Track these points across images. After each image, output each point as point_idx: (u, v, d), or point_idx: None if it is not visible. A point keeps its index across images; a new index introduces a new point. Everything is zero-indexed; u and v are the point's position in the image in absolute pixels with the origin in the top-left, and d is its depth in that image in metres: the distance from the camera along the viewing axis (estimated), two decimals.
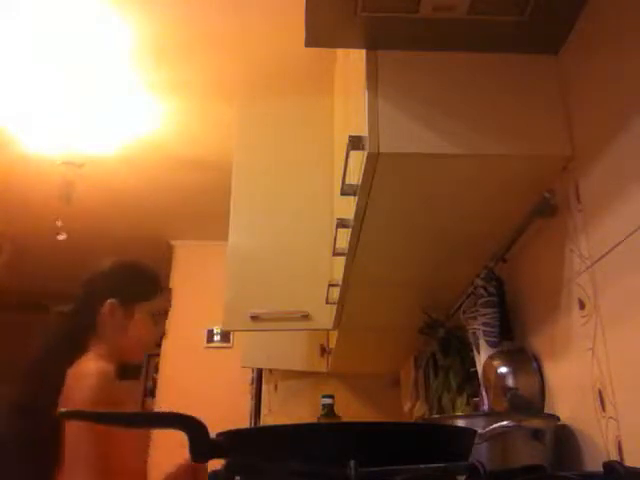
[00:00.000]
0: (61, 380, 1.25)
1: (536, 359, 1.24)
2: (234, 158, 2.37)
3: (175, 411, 0.62)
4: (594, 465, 0.99)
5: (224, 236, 2.28)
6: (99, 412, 0.63)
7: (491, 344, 1.35)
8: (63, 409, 0.63)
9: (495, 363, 1.30)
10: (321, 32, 1.10)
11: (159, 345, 1.68)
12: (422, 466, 0.56)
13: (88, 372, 1.27)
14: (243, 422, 3.20)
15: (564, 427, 1.08)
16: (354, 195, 1.22)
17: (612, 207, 0.95)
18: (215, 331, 4.39)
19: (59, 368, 1.28)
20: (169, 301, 1.57)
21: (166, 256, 4.57)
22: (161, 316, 1.54)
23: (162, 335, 1.57)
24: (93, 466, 1.15)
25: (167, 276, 4.56)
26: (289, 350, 2.96)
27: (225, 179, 2.41)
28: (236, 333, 4.09)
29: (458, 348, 1.70)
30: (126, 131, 3.12)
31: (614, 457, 0.92)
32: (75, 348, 1.35)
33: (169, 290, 1.62)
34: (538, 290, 1.26)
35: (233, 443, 0.64)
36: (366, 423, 0.63)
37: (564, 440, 1.07)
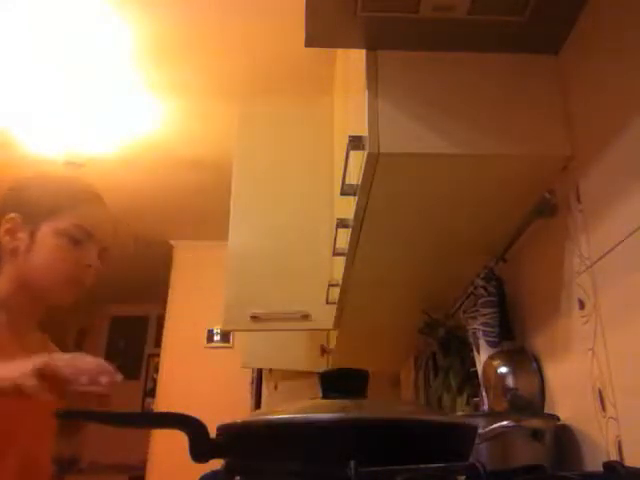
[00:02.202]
0: None
1: (536, 359, 1.24)
2: (234, 158, 2.37)
3: (175, 411, 0.62)
4: (594, 465, 0.99)
5: (224, 236, 2.28)
6: (98, 412, 0.63)
7: (491, 344, 1.35)
8: (60, 409, 0.62)
9: (495, 363, 1.30)
10: (321, 32, 1.10)
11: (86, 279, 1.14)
12: (422, 466, 0.56)
13: None
14: None
15: (564, 427, 1.08)
16: (354, 195, 1.22)
17: (612, 207, 0.95)
18: (215, 331, 4.39)
19: None
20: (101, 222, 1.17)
21: (166, 256, 4.57)
22: (88, 242, 1.14)
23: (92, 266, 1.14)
24: None
25: (167, 276, 4.56)
26: (289, 350, 2.96)
27: (225, 179, 2.41)
28: (236, 333, 4.09)
29: (458, 348, 1.70)
30: (126, 131, 3.13)
31: (614, 457, 0.92)
32: None
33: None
34: (538, 290, 1.26)
35: (233, 443, 0.64)
36: (367, 419, 0.63)
37: (564, 440, 1.07)
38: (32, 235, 1.10)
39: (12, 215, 1.11)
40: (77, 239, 1.12)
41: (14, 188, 1.16)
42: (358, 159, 1.14)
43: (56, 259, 1.11)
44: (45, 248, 1.10)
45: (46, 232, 1.11)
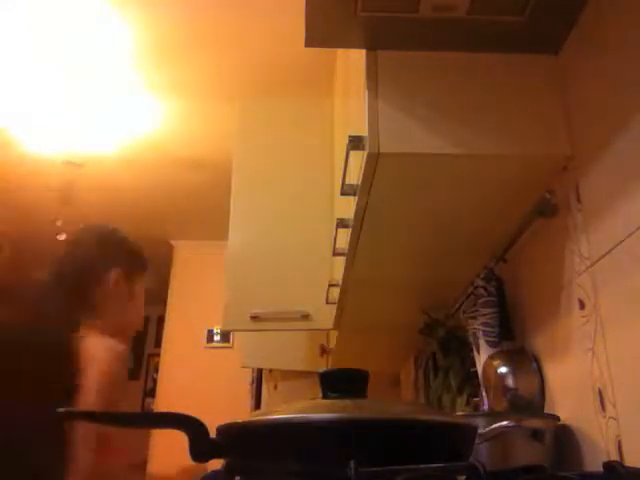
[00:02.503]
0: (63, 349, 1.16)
1: (536, 359, 1.24)
2: (234, 158, 2.37)
3: (175, 411, 0.62)
4: (594, 465, 0.99)
5: (224, 236, 2.28)
6: (99, 412, 0.63)
7: (491, 344, 1.35)
8: (62, 409, 0.62)
9: (495, 363, 1.30)
10: (321, 32, 1.10)
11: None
12: (422, 466, 0.56)
13: (98, 354, 1.16)
14: None
15: (564, 427, 1.08)
16: (354, 195, 1.22)
17: (612, 207, 0.95)
18: (215, 331, 4.39)
19: (58, 338, 1.19)
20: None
21: (166, 256, 4.57)
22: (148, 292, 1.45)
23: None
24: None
25: (167, 276, 4.56)
26: (289, 350, 2.96)
27: (225, 179, 2.41)
28: (236, 333, 4.09)
29: (458, 348, 1.70)
30: (126, 131, 3.13)
31: (614, 457, 0.92)
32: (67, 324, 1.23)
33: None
34: (538, 290, 1.26)
35: (233, 443, 0.64)
36: (367, 419, 0.63)
37: (564, 440, 1.07)
38: (132, 288, 1.38)
39: (117, 270, 1.34)
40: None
41: (116, 246, 1.40)
42: (358, 159, 1.14)
43: (142, 305, 1.42)
44: (139, 297, 1.40)
45: (139, 285, 1.40)
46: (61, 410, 0.62)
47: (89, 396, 1.11)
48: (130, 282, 1.35)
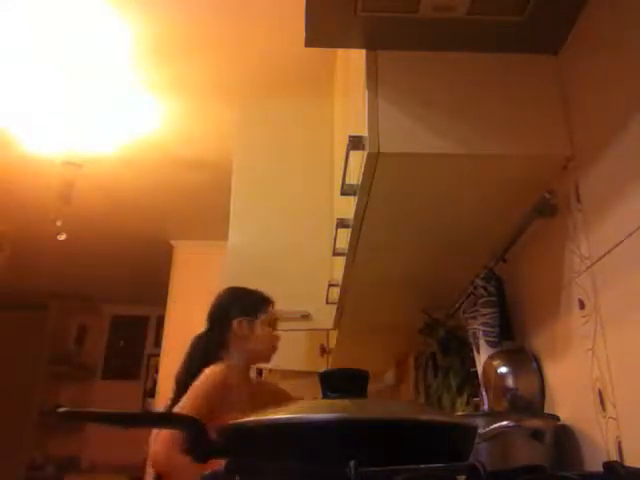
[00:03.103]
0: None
1: (536, 359, 1.24)
2: (234, 158, 2.37)
3: (175, 411, 0.62)
4: (594, 465, 0.99)
5: (224, 236, 2.28)
6: (98, 412, 0.63)
7: (491, 344, 1.35)
8: (61, 408, 0.62)
9: (495, 363, 1.30)
10: (321, 32, 1.10)
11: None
12: (422, 466, 0.56)
13: (206, 371, 1.64)
14: None
15: (564, 427, 1.08)
16: (354, 195, 1.22)
17: (612, 207, 0.95)
18: None
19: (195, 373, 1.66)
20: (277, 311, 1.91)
21: (166, 256, 4.57)
22: (275, 322, 1.87)
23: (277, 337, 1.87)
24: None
25: (167, 276, 4.56)
26: (289, 350, 2.95)
27: (225, 179, 2.41)
28: None
29: (458, 348, 1.70)
30: (126, 131, 3.13)
31: (614, 457, 0.92)
32: (209, 360, 1.69)
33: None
34: (538, 290, 1.26)
35: (233, 443, 0.64)
36: (367, 419, 0.63)
37: (564, 440, 1.07)
38: (252, 327, 1.80)
39: (239, 318, 1.79)
40: (271, 324, 1.84)
41: (225, 298, 1.87)
42: (358, 159, 1.14)
43: (266, 340, 1.82)
44: (260, 334, 1.80)
45: (259, 324, 1.80)
46: (61, 410, 0.62)
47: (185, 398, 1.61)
48: (250, 324, 1.79)
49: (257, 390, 1.78)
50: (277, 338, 1.86)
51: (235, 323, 1.77)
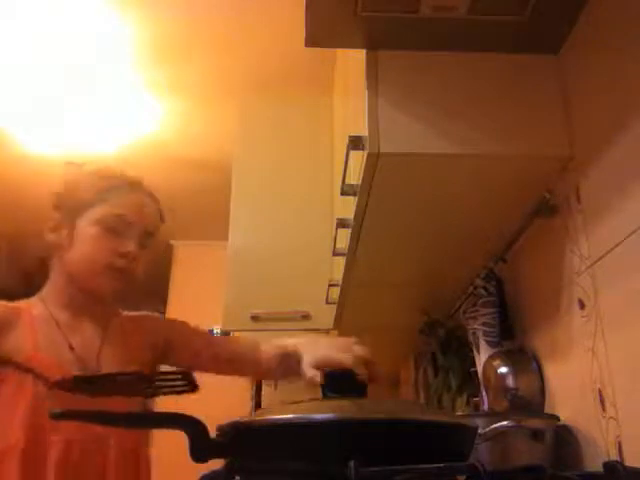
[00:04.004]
0: None
1: (536, 359, 1.24)
2: (234, 158, 2.37)
3: (175, 411, 0.62)
4: (594, 465, 0.99)
5: (224, 236, 2.28)
6: (98, 412, 0.63)
7: (491, 344, 1.35)
8: (57, 410, 0.62)
9: (495, 363, 1.30)
10: (321, 32, 1.10)
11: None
12: (422, 466, 0.56)
13: None
14: None
15: (564, 427, 1.08)
16: (354, 195, 1.22)
17: (612, 207, 0.95)
18: (215, 331, 4.37)
19: None
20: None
21: (166, 256, 4.57)
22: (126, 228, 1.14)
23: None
24: None
25: (167, 276, 4.56)
26: None
27: (225, 179, 2.41)
28: (236, 333, 4.09)
29: (458, 348, 1.70)
30: (126, 131, 3.12)
31: (614, 457, 0.92)
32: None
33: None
34: (538, 290, 1.26)
35: (233, 443, 0.64)
36: (367, 419, 0.63)
37: (564, 440, 1.07)
38: (72, 230, 1.12)
39: (54, 215, 1.14)
40: (112, 227, 1.12)
41: (56, 191, 1.20)
42: (358, 159, 1.14)
43: (93, 249, 1.11)
44: (82, 240, 1.12)
45: (83, 225, 1.12)
46: (56, 411, 0.61)
47: None
48: (68, 225, 1.15)
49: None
50: (121, 254, 1.12)
51: (47, 223, 1.16)
